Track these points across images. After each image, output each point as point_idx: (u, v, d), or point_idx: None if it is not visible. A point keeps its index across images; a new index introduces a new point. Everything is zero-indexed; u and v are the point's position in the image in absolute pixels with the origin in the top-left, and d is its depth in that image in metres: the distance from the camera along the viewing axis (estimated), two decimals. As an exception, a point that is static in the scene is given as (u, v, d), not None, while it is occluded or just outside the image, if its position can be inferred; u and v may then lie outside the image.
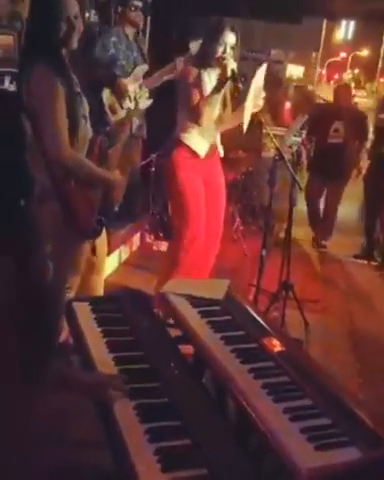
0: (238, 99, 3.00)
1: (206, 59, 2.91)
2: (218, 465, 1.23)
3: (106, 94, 3.63)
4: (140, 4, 3.82)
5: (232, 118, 3.13)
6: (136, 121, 3.82)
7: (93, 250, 2.15)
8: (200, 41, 3.55)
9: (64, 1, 1.97)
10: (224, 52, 2.87)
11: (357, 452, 1.21)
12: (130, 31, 3.84)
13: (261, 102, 2.99)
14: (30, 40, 2.01)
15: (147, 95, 3.81)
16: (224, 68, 2.84)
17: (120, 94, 3.66)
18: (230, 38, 2.89)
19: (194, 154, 2.99)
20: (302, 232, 5.09)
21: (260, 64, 3.18)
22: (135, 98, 3.70)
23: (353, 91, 6.49)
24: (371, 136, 5.23)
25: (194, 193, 3.01)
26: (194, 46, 3.67)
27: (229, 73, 2.84)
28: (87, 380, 1.40)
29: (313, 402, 1.38)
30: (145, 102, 3.81)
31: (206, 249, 3.12)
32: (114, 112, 3.68)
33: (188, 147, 2.97)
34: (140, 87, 3.69)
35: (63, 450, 1.23)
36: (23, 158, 1.14)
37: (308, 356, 1.70)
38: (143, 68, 3.81)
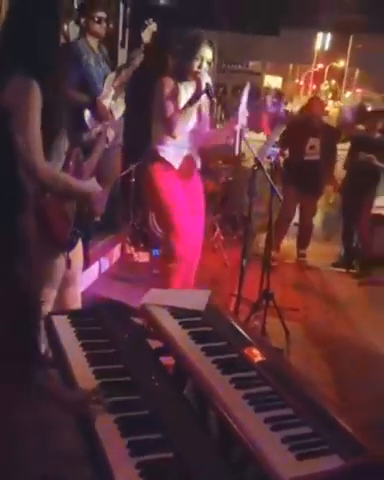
0: (213, 114, 3.05)
1: (182, 73, 2.94)
2: (200, 477, 1.22)
3: (87, 117, 3.59)
4: (104, 15, 3.71)
5: (217, 135, 3.19)
6: (111, 131, 3.79)
7: (68, 263, 2.12)
8: (152, 28, 3.59)
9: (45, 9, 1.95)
10: (200, 66, 2.91)
11: (339, 460, 1.22)
12: (94, 42, 3.73)
13: (245, 121, 3.04)
14: (9, 48, 1.97)
15: (123, 107, 3.79)
16: (199, 82, 2.87)
17: (101, 114, 3.62)
18: (207, 53, 2.93)
19: (169, 166, 3.01)
20: (289, 243, 5.14)
21: (238, 76, 3.24)
22: (111, 110, 3.67)
23: (328, 103, 6.59)
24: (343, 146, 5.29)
25: (175, 197, 3.04)
26: (146, 35, 3.65)
27: (203, 87, 2.87)
28: (67, 397, 1.38)
29: (294, 411, 1.38)
30: (120, 111, 3.77)
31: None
32: (94, 129, 3.64)
33: (163, 159, 3.00)
34: (114, 98, 3.66)
35: (43, 463, 1.21)
36: (16, 170, 1.13)
37: (290, 365, 1.71)
38: (111, 77, 3.75)
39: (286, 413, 1.38)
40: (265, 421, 1.33)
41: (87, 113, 3.59)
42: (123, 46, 4.97)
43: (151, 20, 3.65)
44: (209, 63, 2.97)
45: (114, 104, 3.67)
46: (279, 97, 5.22)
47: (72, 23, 3.95)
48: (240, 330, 1.80)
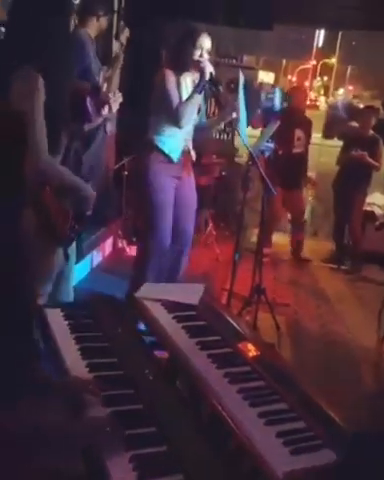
0: (219, 103, 3.06)
1: (183, 63, 2.91)
2: (194, 471, 1.22)
3: (91, 105, 3.60)
4: (103, 13, 3.85)
5: (214, 122, 3.19)
6: (109, 125, 3.80)
7: (66, 258, 2.12)
8: (126, 33, 3.63)
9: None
10: (201, 56, 2.89)
11: (332, 455, 1.22)
12: (93, 34, 3.85)
13: (239, 113, 3.02)
14: (13, 43, 1.95)
15: (121, 100, 3.80)
16: (202, 72, 2.85)
17: (100, 102, 3.65)
18: (206, 42, 2.91)
19: (167, 158, 2.99)
20: (274, 237, 5.14)
21: (233, 70, 3.24)
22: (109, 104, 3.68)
23: (320, 99, 6.61)
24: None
25: (163, 198, 3.01)
26: (122, 38, 3.72)
27: (207, 76, 2.85)
28: (61, 384, 1.37)
29: (289, 406, 1.39)
30: (117, 104, 3.79)
31: (177, 253, 3.13)
32: (97, 119, 3.66)
33: (161, 151, 2.97)
34: (114, 93, 3.68)
35: (35, 456, 1.20)
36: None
37: (283, 360, 1.71)
38: (104, 69, 3.80)
39: (280, 408, 1.38)
40: (259, 415, 1.33)
41: (90, 100, 3.59)
42: (117, 38, 4.93)
43: (123, 25, 3.91)
44: (209, 53, 2.96)
45: (114, 97, 3.67)
46: (284, 97, 5.21)
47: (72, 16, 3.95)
48: (234, 325, 1.80)
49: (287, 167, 4.73)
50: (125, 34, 3.75)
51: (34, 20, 1.89)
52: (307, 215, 5.90)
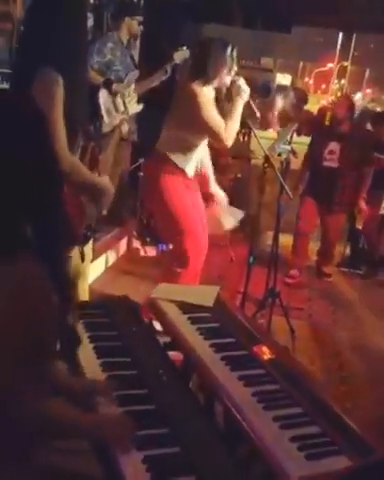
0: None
1: (213, 78, 2.80)
2: (207, 473, 1.21)
3: (103, 97, 3.65)
4: (141, 19, 3.97)
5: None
6: (126, 126, 3.83)
7: (82, 257, 2.13)
8: (185, 50, 3.63)
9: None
10: (233, 71, 2.85)
11: (347, 461, 1.21)
12: (125, 37, 3.93)
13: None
14: (32, 43, 1.97)
15: (136, 100, 3.85)
16: (233, 85, 2.82)
17: (115, 99, 3.71)
18: (234, 53, 2.87)
19: (182, 172, 2.93)
20: (289, 240, 5.11)
21: (249, 72, 3.25)
22: (125, 103, 3.72)
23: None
24: None
25: (185, 201, 2.96)
26: (178, 56, 3.74)
27: (245, 98, 2.84)
28: (75, 387, 1.37)
29: (303, 410, 1.38)
30: (135, 107, 3.84)
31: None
32: (110, 115, 3.71)
33: (176, 165, 2.89)
34: (129, 93, 3.73)
35: (49, 456, 1.20)
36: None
37: (298, 364, 1.70)
38: (134, 74, 3.86)
39: (295, 412, 1.37)
40: (274, 419, 1.32)
41: (103, 92, 3.65)
42: (135, 40, 4.97)
43: (185, 48, 3.81)
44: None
45: (129, 98, 3.72)
46: (300, 96, 5.10)
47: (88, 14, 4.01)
48: (249, 327, 1.80)
49: (317, 182, 4.37)
50: (183, 54, 3.78)
51: (51, 20, 1.91)
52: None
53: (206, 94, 2.80)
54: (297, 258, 4.48)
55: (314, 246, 4.81)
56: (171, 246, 3.18)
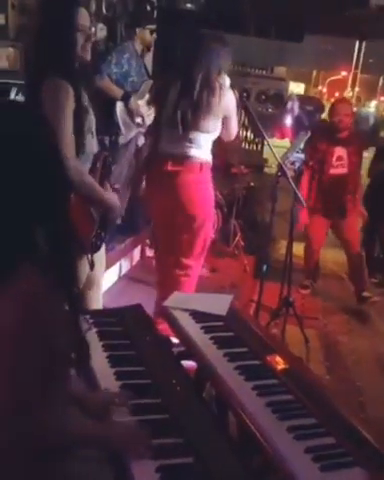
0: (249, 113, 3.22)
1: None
2: (220, 484, 1.21)
3: (120, 109, 3.69)
4: (154, 27, 3.99)
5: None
6: (142, 139, 3.85)
7: (91, 265, 2.13)
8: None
9: (78, 12, 1.98)
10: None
11: (363, 473, 1.19)
12: (139, 47, 3.96)
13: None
14: (43, 52, 2.01)
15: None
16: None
17: (132, 111, 3.74)
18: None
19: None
20: (302, 249, 5.08)
21: (262, 81, 3.34)
22: (142, 116, 3.74)
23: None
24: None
25: None
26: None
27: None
28: (90, 398, 1.37)
29: (318, 421, 1.36)
30: (151, 118, 3.86)
31: None
32: (128, 128, 3.74)
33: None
34: (148, 104, 3.74)
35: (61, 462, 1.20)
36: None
37: (312, 374, 1.69)
38: (148, 83, 3.88)
39: (309, 422, 1.36)
40: (288, 430, 1.31)
41: (119, 105, 3.68)
42: (149, 50, 5.01)
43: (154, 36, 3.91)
44: None
45: (147, 109, 3.74)
46: (317, 105, 5.10)
47: (100, 25, 4.04)
48: (262, 337, 1.79)
49: (325, 191, 4.14)
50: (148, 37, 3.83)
51: (60, 30, 1.94)
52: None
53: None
54: (309, 269, 4.44)
55: (339, 255, 4.75)
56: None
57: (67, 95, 1.90)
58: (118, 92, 3.72)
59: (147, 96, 3.77)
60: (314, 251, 4.38)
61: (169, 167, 2.76)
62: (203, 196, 2.85)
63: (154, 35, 4.03)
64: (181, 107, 2.69)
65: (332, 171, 4.14)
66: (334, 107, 4.21)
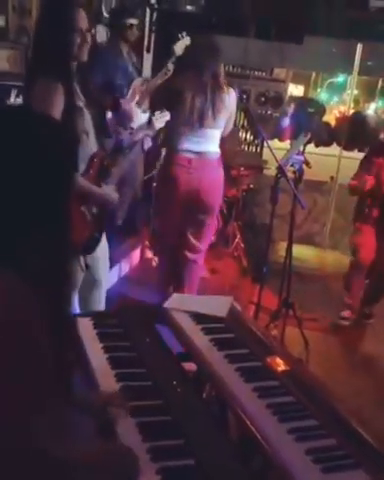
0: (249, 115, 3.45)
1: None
2: (221, 486, 1.20)
3: (109, 118, 3.66)
4: (135, 22, 3.87)
5: None
6: (149, 141, 3.83)
7: (85, 267, 2.12)
8: (185, 38, 3.62)
9: (76, 14, 1.98)
10: None
11: (364, 475, 1.19)
12: (124, 47, 3.87)
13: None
14: (40, 53, 2.01)
15: (167, 118, 3.80)
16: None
17: (123, 116, 3.70)
18: None
19: None
20: (302, 251, 5.09)
21: (262, 83, 3.48)
22: (151, 119, 3.71)
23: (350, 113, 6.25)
24: None
25: None
26: (179, 47, 3.66)
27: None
28: (89, 399, 1.37)
29: (319, 422, 1.36)
30: (162, 122, 3.82)
31: None
32: (119, 134, 3.71)
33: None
34: (139, 104, 3.70)
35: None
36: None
37: (313, 375, 1.68)
38: (137, 82, 3.81)
39: (310, 424, 1.36)
40: (289, 432, 1.31)
41: (109, 115, 3.65)
42: (148, 51, 5.01)
43: (185, 34, 3.69)
44: None
45: (137, 110, 3.70)
46: (317, 107, 5.10)
47: (100, 27, 4.03)
48: (262, 338, 1.79)
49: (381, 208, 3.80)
50: (184, 42, 3.62)
51: (56, 30, 1.94)
52: (326, 227, 5.77)
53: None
54: (352, 298, 3.95)
55: (341, 257, 4.69)
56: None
57: (57, 96, 1.90)
58: (104, 99, 3.63)
59: (137, 97, 3.71)
60: (362, 267, 3.87)
61: (192, 163, 3.11)
62: (222, 183, 3.24)
63: (135, 30, 3.90)
64: (198, 107, 3.00)
65: None
66: None
